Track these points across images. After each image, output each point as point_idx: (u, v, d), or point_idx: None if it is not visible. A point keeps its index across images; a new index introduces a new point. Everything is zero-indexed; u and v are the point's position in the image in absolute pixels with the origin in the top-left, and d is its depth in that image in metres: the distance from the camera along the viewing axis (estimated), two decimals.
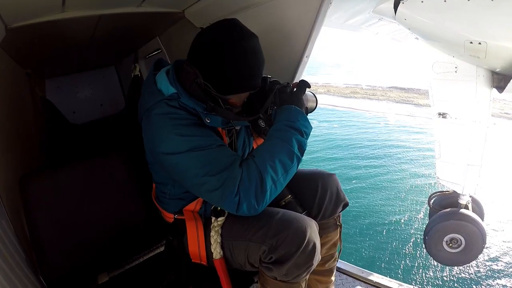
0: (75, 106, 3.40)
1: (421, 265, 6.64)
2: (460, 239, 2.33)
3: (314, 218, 1.33)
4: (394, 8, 2.07)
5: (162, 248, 1.64)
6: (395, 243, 7.23)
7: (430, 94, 2.45)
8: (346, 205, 1.40)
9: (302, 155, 1.06)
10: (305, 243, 1.03)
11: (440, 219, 2.44)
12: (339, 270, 1.82)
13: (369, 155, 11.43)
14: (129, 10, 1.70)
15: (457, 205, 2.41)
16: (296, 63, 1.65)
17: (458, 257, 2.35)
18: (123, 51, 3.08)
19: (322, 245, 1.45)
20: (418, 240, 7.37)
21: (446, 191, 2.58)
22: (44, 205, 1.41)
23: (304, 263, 1.05)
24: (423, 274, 6.17)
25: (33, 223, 1.41)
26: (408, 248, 7.11)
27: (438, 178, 2.53)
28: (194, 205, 1.24)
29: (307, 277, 1.14)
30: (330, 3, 1.39)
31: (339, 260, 1.57)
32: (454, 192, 2.45)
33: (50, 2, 1.38)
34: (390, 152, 11.73)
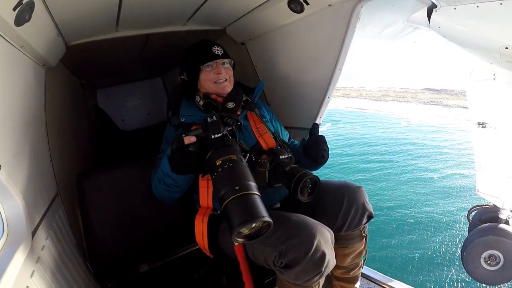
0: (124, 114, 3.74)
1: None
2: (499, 256, 2.18)
3: (339, 229, 1.37)
4: (427, 16, 2.05)
5: None
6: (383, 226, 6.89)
7: (469, 103, 2.35)
8: (371, 217, 1.40)
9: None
10: (312, 250, 1.05)
11: (479, 234, 2.31)
12: (364, 276, 1.82)
13: (382, 151, 11.66)
14: (175, 29, 1.90)
15: (497, 219, 2.27)
16: (329, 76, 1.71)
17: (496, 275, 2.20)
18: (169, 64, 3.34)
19: (347, 254, 1.48)
20: (405, 226, 7.03)
21: (486, 205, 2.43)
22: (97, 200, 1.62)
23: (313, 269, 1.07)
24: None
25: (86, 215, 1.61)
26: (386, 227, 6.59)
27: (477, 191, 2.40)
28: (206, 201, 1.32)
29: (321, 281, 1.17)
30: (359, 18, 1.44)
31: (364, 266, 1.58)
32: (494, 206, 2.31)
33: (106, 23, 1.60)
34: (403, 149, 11.75)
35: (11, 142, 1.04)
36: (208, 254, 1.32)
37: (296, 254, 1.07)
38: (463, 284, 5.49)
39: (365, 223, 1.41)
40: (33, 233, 1.08)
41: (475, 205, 2.53)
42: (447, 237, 6.69)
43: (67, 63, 1.99)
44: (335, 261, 1.16)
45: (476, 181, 2.42)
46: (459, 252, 6.04)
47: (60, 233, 1.42)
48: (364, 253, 1.51)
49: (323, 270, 1.09)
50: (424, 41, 2.85)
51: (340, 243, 1.44)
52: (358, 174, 9.93)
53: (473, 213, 2.54)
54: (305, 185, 1.21)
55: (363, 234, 1.45)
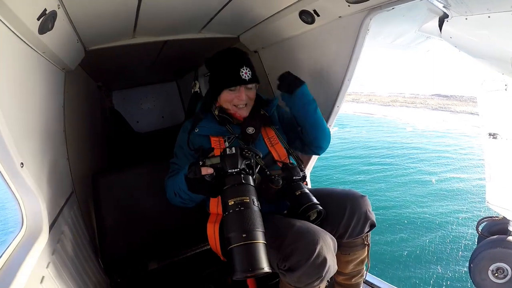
0: (139, 116, 3.84)
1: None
2: (507, 269, 2.15)
3: (341, 236, 1.39)
4: (439, 26, 2.06)
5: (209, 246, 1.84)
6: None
7: (480, 113, 2.34)
8: (373, 225, 1.41)
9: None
10: (314, 255, 1.08)
11: (487, 246, 2.28)
12: (367, 283, 1.82)
13: (384, 154, 11.89)
14: (190, 36, 1.96)
15: (506, 232, 2.23)
16: (339, 86, 1.73)
17: None
18: (184, 69, 3.42)
19: (349, 261, 1.50)
20: (398, 225, 7.08)
21: (495, 217, 2.40)
22: (110, 199, 1.69)
23: (315, 274, 1.10)
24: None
25: (100, 213, 1.68)
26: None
27: (488, 202, 2.37)
28: (216, 208, 1.37)
29: (321, 285, 1.19)
30: (368, 30, 1.47)
31: (368, 274, 1.59)
32: (504, 218, 2.28)
33: (124, 30, 1.68)
34: (405, 153, 11.91)
35: (32, 141, 1.11)
36: (221, 258, 1.37)
37: (299, 258, 1.10)
38: (448, 283, 5.51)
39: (367, 232, 1.42)
40: (50, 227, 1.15)
41: (485, 216, 2.49)
42: (437, 237, 6.75)
43: (85, 66, 2.08)
44: (337, 267, 1.19)
45: (486, 192, 2.39)
46: (448, 251, 6.24)
47: (74, 228, 1.49)
48: (366, 261, 1.52)
49: (323, 275, 1.11)
50: (436, 50, 2.84)
51: (342, 250, 1.46)
52: (358, 176, 10.14)
53: (482, 225, 2.50)
54: (311, 215, 1.30)
55: (366, 242, 1.46)
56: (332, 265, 1.13)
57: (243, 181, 1.09)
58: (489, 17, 1.76)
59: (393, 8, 1.35)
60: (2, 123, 0.85)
